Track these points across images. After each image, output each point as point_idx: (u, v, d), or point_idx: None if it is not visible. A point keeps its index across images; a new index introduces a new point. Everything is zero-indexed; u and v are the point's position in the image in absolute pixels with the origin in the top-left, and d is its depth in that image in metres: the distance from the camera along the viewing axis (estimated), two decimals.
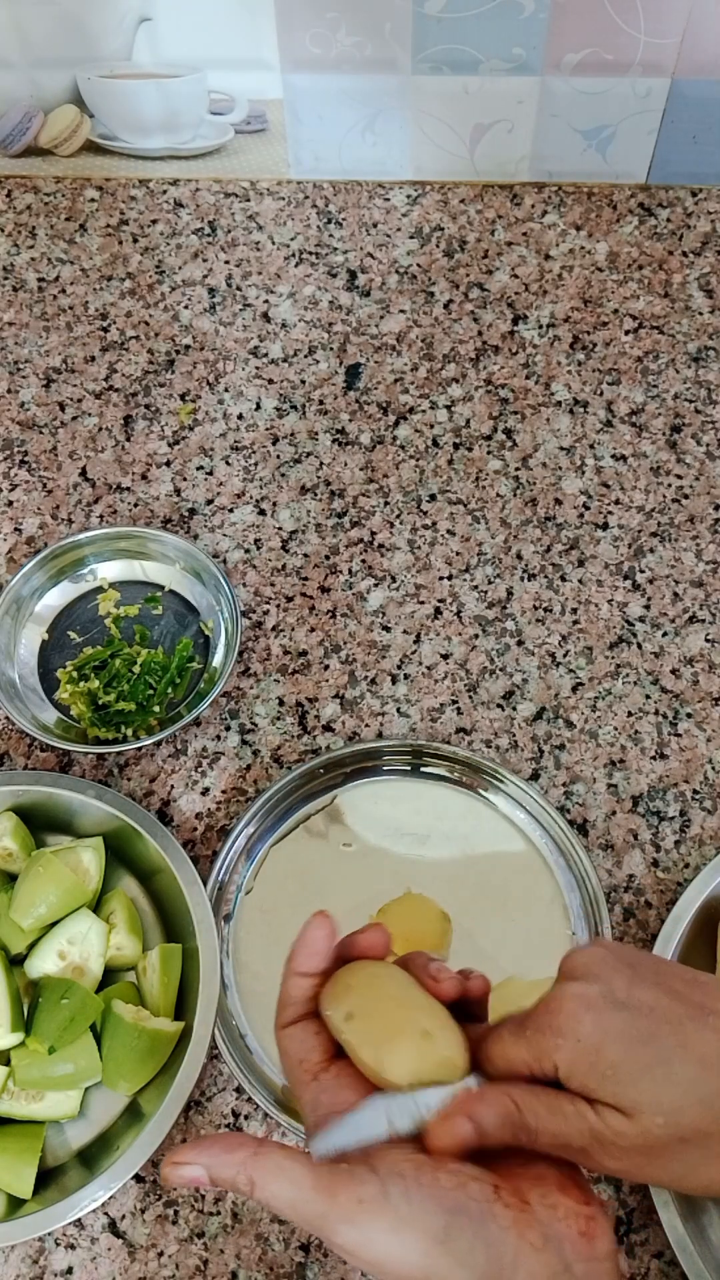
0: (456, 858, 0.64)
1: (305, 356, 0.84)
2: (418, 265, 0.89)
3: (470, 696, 0.70)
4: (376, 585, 0.74)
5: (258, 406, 0.82)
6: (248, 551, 0.75)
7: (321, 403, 0.82)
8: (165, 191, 0.93)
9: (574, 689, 0.70)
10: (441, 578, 0.74)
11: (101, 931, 0.58)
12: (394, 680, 0.70)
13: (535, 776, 0.67)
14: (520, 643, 0.72)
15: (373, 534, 0.76)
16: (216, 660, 0.70)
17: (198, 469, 0.79)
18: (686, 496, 0.77)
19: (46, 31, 0.83)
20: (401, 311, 0.86)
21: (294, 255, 0.89)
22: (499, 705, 0.69)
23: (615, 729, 0.68)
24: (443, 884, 0.63)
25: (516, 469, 0.78)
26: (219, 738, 0.68)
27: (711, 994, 0.40)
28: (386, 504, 0.77)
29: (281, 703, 0.70)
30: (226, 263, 0.89)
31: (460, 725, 0.69)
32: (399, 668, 0.71)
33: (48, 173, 0.94)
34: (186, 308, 0.87)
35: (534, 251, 0.89)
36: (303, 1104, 0.42)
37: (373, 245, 0.90)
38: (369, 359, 0.84)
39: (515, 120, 0.87)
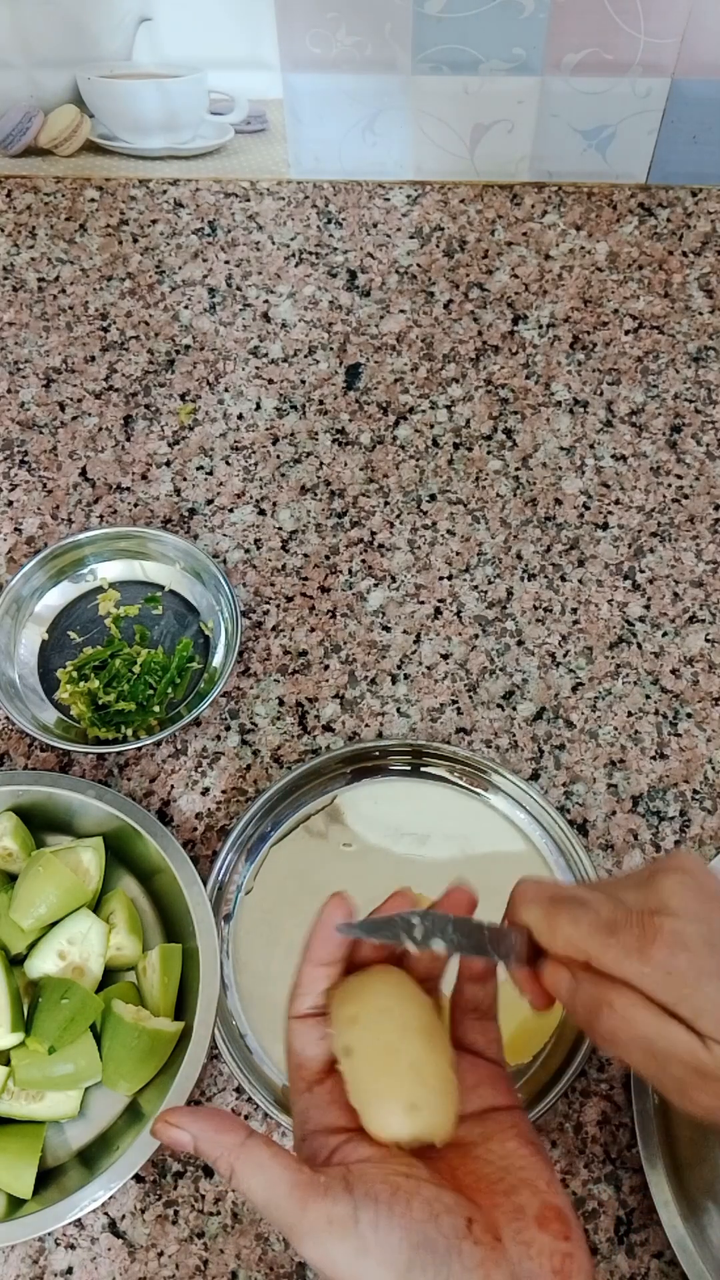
0: (456, 858, 0.64)
1: (305, 356, 0.84)
2: (418, 265, 0.89)
3: (470, 696, 0.70)
4: (376, 585, 0.74)
5: (258, 406, 0.82)
6: (248, 551, 0.75)
7: (321, 403, 0.82)
8: (165, 191, 0.93)
9: (574, 689, 0.70)
10: (441, 578, 0.74)
11: (101, 931, 0.58)
12: (394, 680, 0.70)
13: (535, 776, 0.67)
14: (520, 643, 0.72)
15: (373, 534, 0.76)
16: (216, 660, 0.70)
17: (198, 469, 0.79)
18: (686, 496, 0.77)
19: (46, 31, 0.83)
20: (401, 311, 0.86)
21: (294, 255, 0.89)
22: (499, 705, 0.69)
23: (615, 729, 0.68)
24: (443, 884, 0.63)
25: (516, 469, 0.78)
26: (219, 738, 0.68)
27: None
28: (386, 504, 0.77)
29: (281, 703, 0.70)
30: (226, 263, 0.89)
31: (460, 725, 0.69)
32: (399, 668, 0.71)
33: (48, 173, 0.94)
34: (186, 308, 0.87)
35: (534, 251, 0.89)
36: (294, 1108, 0.42)
37: (373, 245, 0.90)
38: (369, 359, 0.84)
39: (515, 120, 0.87)
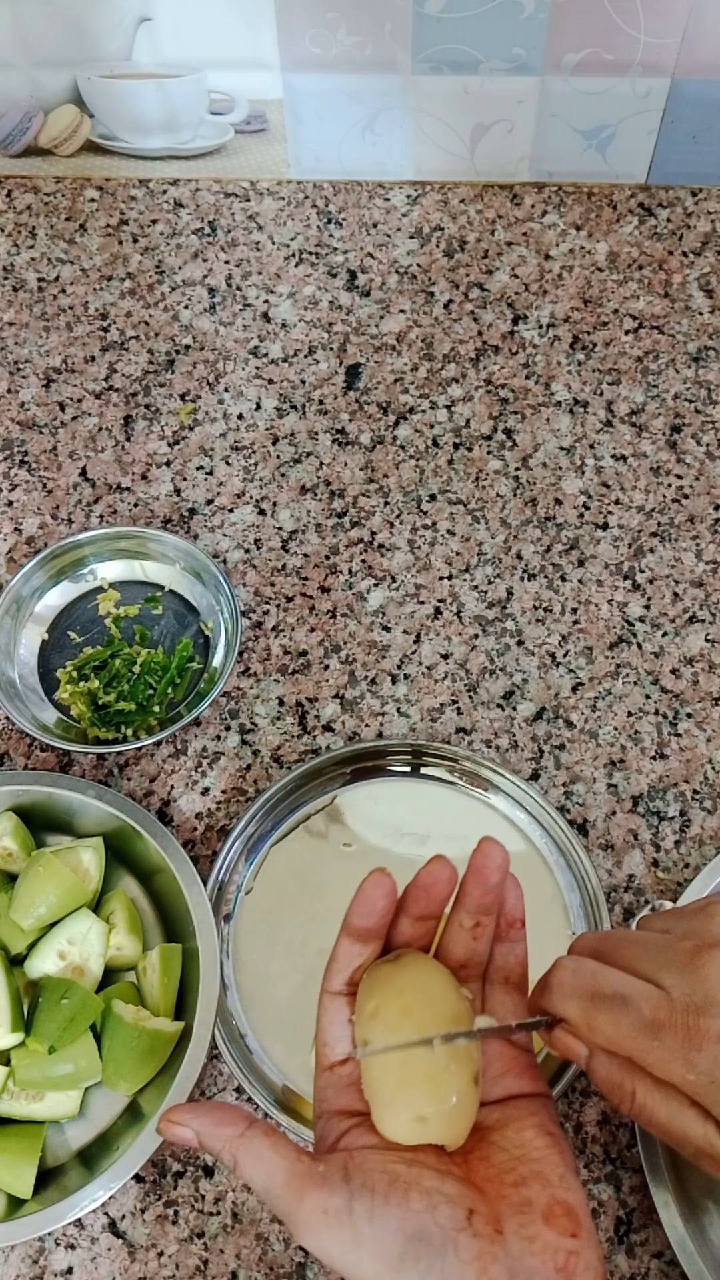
0: (456, 858, 0.64)
1: (305, 356, 0.84)
2: (418, 265, 0.89)
3: (470, 696, 0.70)
4: (376, 585, 0.74)
5: (258, 406, 0.82)
6: (248, 551, 0.75)
7: (321, 403, 0.82)
8: (165, 191, 0.93)
9: (574, 689, 0.70)
10: (441, 578, 0.74)
11: (101, 931, 0.58)
12: (394, 680, 0.70)
13: (535, 776, 0.67)
14: (520, 643, 0.72)
15: (373, 534, 0.76)
16: (216, 660, 0.70)
17: (198, 469, 0.79)
18: (686, 496, 0.77)
19: (46, 31, 0.83)
20: (401, 311, 0.86)
21: (294, 255, 0.90)
22: (499, 705, 0.69)
23: (615, 729, 0.68)
24: None
25: (516, 469, 0.78)
26: (219, 738, 0.68)
27: None
28: (386, 504, 0.77)
29: (281, 703, 0.70)
30: (226, 263, 0.89)
31: (460, 725, 0.69)
32: (399, 668, 0.71)
33: (48, 173, 0.94)
34: (186, 308, 0.87)
35: (534, 251, 0.89)
36: (315, 1085, 0.42)
37: (373, 245, 0.90)
38: (369, 359, 0.84)
39: (515, 120, 0.87)
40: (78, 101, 0.88)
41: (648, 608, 0.73)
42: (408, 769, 0.67)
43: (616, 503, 0.77)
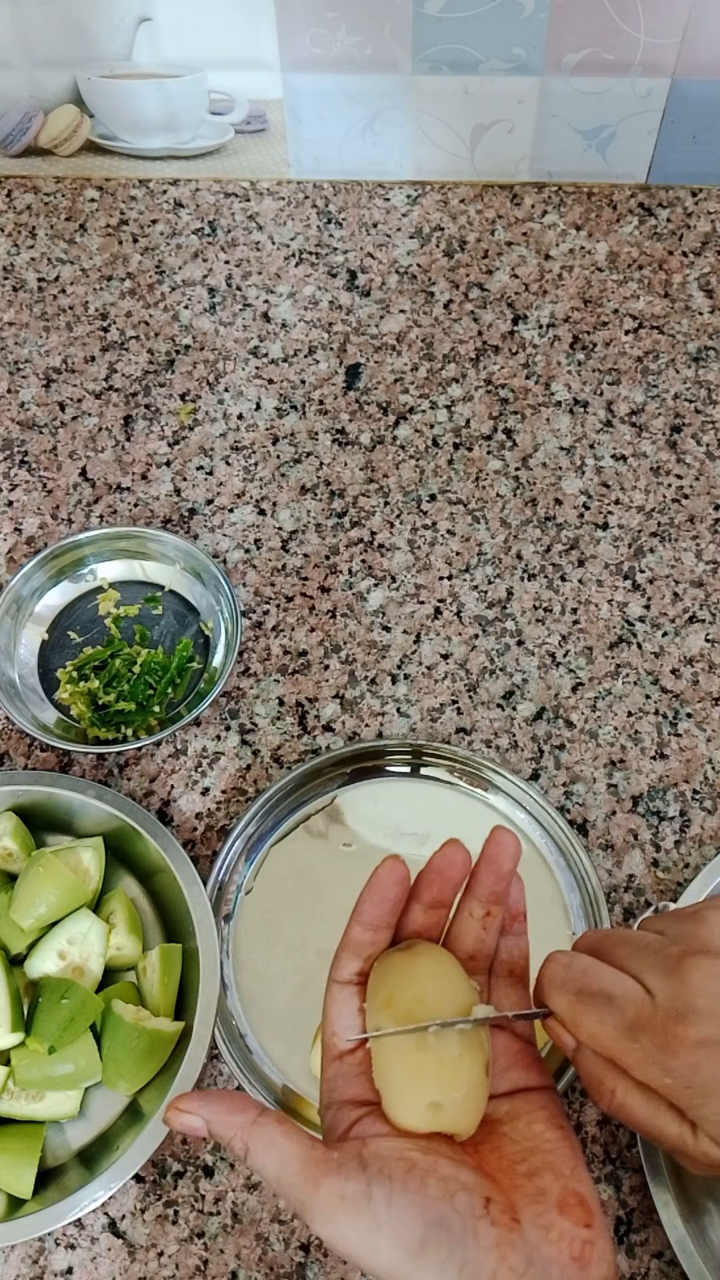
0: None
1: (305, 356, 0.84)
2: (418, 265, 0.89)
3: (470, 696, 0.70)
4: (376, 585, 0.74)
5: (258, 406, 0.82)
6: (248, 551, 0.75)
7: (321, 403, 0.82)
8: (165, 191, 0.93)
9: (574, 689, 0.70)
10: (441, 578, 0.74)
11: (101, 931, 0.58)
12: (394, 680, 0.70)
13: (535, 776, 0.67)
14: (520, 643, 0.72)
15: (373, 534, 0.76)
16: (216, 660, 0.70)
17: (198, 469, 0.79)
18: (686, 496, 0.77)
19: (46, 31, 0.83)
20: (401, 311, 0.86)
21: (294, 255, 0.90)
22: (499, 705, 0.69)
23: (615, 729, 0.68)
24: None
25: (516, 469, 0.78)
26: (219, 738, 0.68)
27: None
28: (386, 504, 0.77)
29: (281, 703, 0.70)
30: (226, 263, 0.89)
31: (460, 725, 0.69)
32: (399, 668, 0.71)
33: (48, 173, 0.94)
34: (186, 308, 0.87)
35: (534, 251, 0.89)
36: (323, 1075, 0.42)
37: (373, 245, 0.90)
38: (369, 359, 0.84)
39: (515, 120, 0.87)
40: (78, 101, 0.88)
41: (648, 608, 0.73)
42: (408, 769, 0.67)
43: (616, 503, 0.77)
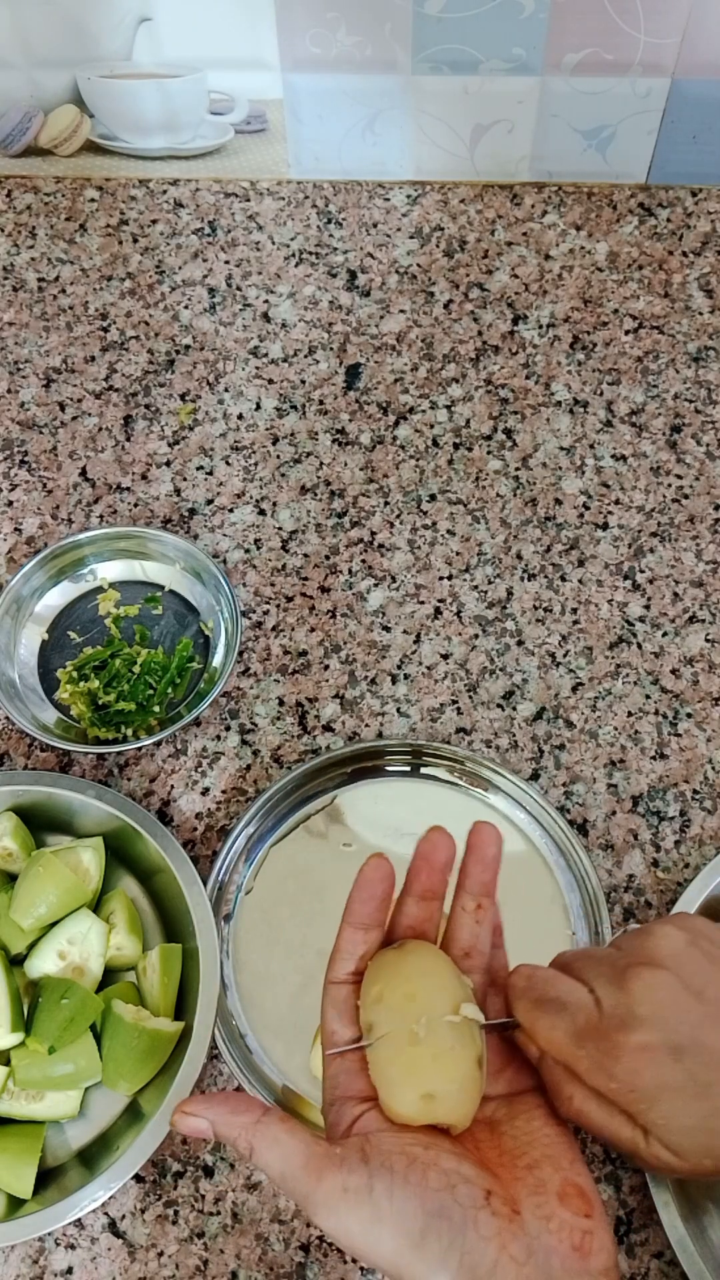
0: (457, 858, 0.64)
1: (305, 356, 0.84)
2: (418, 265, 0.89)
3: (470, 696, 0.70)
4: (376, 585, 0.74)
5: (258, 406, 0.82)
6: (248, 551, 0.75)
7: (321, 403, 0.82)
8: (165, 191, 0.93)
9: (574, 689, 0.70)
10: (441, 578, 0.74)
11: (101, 931, 0.58)
12: (394, 680, 0.70)
13: (535, 776, 0.67)
14: (520, 643, 0.72)
15: (373, 534, 0.76)
16: (216, 660, 0.70)
17: (198, 469, 0.79)
18: (686, 496, 0.77)
19: (46, 31, 0.83)
20: (401, 311, 0.86)
21: (294, 255, 0.90)
22: (499, 705, 0.69)
23: (615, 729, 0.68)
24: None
25: (516, 469, 0.78)
26: (219, 738, 0.68)
27: None
28: (386, 504, 0.77)
29: (281, 703, 0.70)
30: (226, 263, 0.89)
31: (460, 725, 0.69)
32: (399, 668, 0.71)
33: (48, 173, 0.94)
34: (186, 308, 0.87)
35: (534, 251, 0.89)
36: (324, 1073, 0.42)
37: (373, 245, 0.90)
38: (369, 359, 0.84)
39: (515, 120, 0.87)
40: (78, 101, 0.88)
41: (648, 608, 0.73)
42: (408, 769, 0.67)
43: (616, 503, 0.77)
